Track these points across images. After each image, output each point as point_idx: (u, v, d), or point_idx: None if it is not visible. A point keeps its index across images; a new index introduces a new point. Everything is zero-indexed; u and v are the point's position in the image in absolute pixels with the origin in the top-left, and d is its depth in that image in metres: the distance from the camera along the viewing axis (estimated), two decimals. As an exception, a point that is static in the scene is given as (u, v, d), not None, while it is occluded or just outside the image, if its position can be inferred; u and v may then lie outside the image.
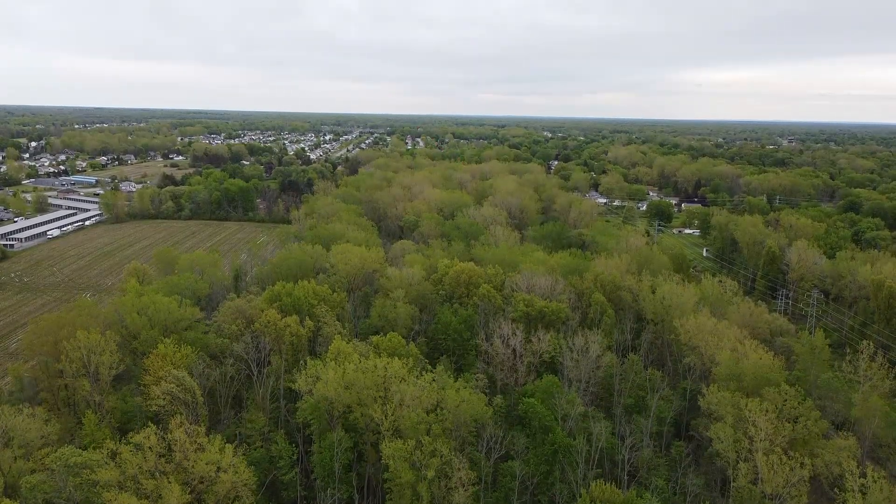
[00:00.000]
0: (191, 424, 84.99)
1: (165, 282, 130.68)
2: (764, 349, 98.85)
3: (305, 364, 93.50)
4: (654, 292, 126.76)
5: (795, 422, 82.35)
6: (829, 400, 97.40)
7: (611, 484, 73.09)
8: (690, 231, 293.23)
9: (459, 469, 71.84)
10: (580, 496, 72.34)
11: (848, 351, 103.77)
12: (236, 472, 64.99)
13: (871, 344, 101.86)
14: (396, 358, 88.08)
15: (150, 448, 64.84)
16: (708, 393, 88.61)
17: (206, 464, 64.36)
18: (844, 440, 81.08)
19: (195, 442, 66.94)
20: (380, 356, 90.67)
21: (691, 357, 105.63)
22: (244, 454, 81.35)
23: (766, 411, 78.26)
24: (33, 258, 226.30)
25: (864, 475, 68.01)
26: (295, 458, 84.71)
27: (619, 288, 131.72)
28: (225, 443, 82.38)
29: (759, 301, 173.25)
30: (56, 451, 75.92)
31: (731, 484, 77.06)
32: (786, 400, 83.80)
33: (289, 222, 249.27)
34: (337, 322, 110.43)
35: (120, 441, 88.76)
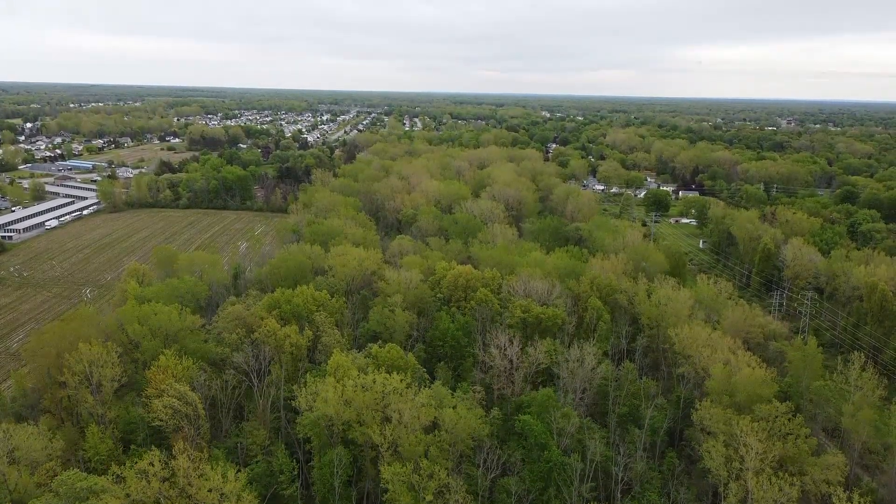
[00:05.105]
0: (193, 439, 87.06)
1: (165, 285, 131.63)
2: (757, 361, 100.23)
3: (305, 374, 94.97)
4: (649, 296, 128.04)
5: (786, 437, 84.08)
6: (821, 407, 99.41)
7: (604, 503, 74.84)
8: (687, 220, 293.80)
9: (457, 492, 73.48)
10: (574, 515, 74.21)
11: (839, 359, 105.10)
12: (239, 500, 66.49)
13: (862, 355, 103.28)
14: (395, 373, 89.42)
15: (154, 475, 66.17)
16: (700, 408, 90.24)
17: (209, 491, 65.81)
18: (833, 457, 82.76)
19: (198, 468, 68.34)
20: (379, 369, 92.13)
21: (685, 367, 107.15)
22: (247, 468, 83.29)
23: (757, 431, 79.79)
24: (32, 251, 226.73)
25: (850, 500, 69.70)
26: (295, 472, 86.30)
27: (615, 291, 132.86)
28: (227, 458, 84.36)
29: (754, 298, 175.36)
30: (62, 469, 77.75)
31: (722, 503, 78.89)
32: (777, 416, 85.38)
33: (286, 212, 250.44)
34: (336, 331, 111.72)
35: (123, 452, 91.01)
